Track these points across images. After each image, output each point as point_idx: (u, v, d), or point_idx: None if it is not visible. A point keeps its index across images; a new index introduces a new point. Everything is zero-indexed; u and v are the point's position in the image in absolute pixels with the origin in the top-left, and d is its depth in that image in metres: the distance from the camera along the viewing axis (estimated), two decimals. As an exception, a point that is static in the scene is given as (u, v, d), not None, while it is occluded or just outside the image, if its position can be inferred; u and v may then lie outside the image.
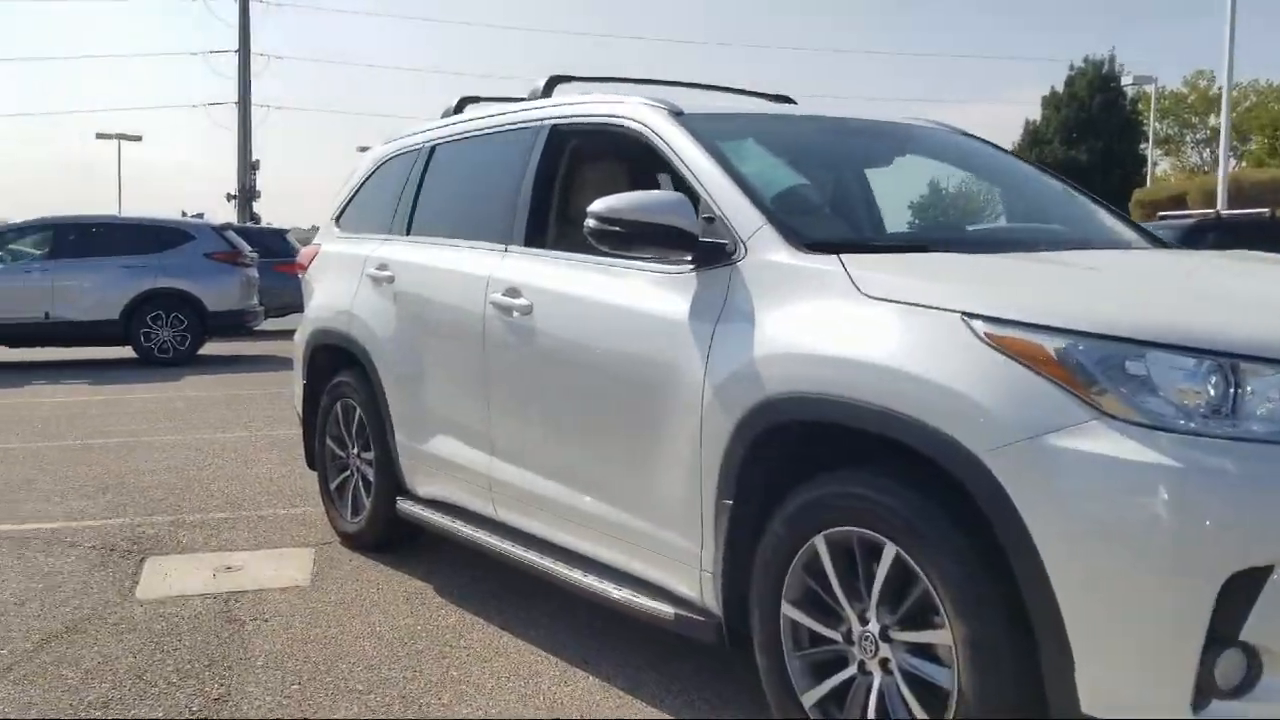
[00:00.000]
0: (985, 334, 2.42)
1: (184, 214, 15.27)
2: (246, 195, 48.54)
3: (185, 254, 13.92)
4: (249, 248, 14.80)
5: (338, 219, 5.61)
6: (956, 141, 4.31)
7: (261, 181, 50.73)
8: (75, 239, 13.77)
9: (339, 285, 5.16)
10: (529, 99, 4.38)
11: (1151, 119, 44.42)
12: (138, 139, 65.54)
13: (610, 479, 3.42)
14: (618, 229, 3.18)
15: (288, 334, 17.83)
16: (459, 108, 5.03)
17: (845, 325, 2.71)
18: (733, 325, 3.00)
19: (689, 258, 3.20)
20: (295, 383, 5.76)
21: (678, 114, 3.60)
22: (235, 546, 5.17)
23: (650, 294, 3.31)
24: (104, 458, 7.40)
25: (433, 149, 4.91)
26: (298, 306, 17.91)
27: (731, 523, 2.95)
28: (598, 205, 3.22)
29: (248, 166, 49.34)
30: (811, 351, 2.74)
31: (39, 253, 13.88)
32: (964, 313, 2.48)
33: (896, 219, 3.74)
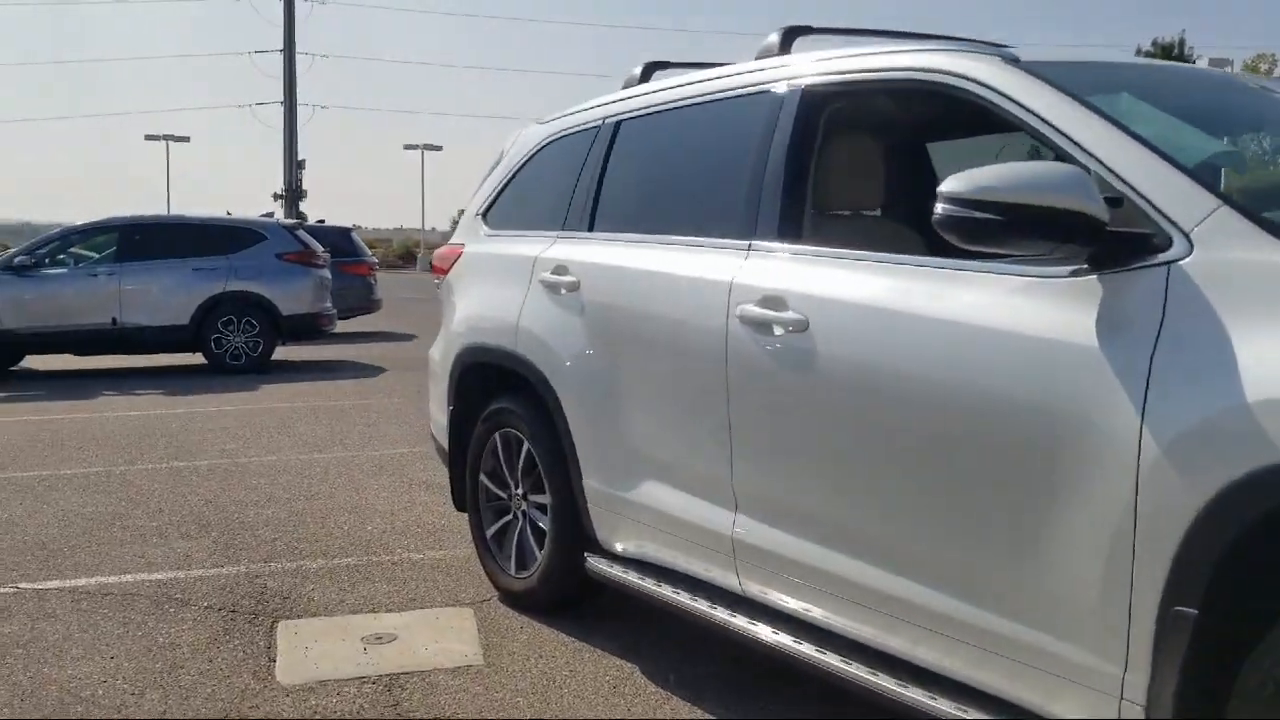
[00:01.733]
0: None
1: (228, 214, 14.40)
2: (293, 194, 48.24)
3: (257, 255, 13.16)
4: (322, 248, 14.02)
5: (485, 214, 4.75)
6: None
7: (307, 180, 50.51)
8: (142, 240, 13.03)
9: (498, 293, 4.29)
10: (760, 56, 3.48)
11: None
12: (186, 140, 65.97)
13: (956, 562, 2.52)
14: (990, 215, 2.28)
15: (356, 337, 17.18)
16: (645, 75, 4.15)
17: None
18: (1186, 354, 2.08)
19: (1083, 255, 2.29)
20: (434, 407, 4.91)
21: (1014, 60, 2.70)
22: (377, 605, 4.33)
23: (1017, 307, 2.40)
24: (198, 485, 6.59)
25: (617, 126, 4.03)
26: (365, 308, 17.26)
27: (1193, 640, 2.04)
28: (959, 184, 2.33)
29: (294, 165, 49.06)
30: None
31: (105, 255, 13.17)
32: None
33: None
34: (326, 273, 13.82)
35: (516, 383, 4.17)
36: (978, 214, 2.29)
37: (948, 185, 2.34)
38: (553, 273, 3.98)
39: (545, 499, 4.04)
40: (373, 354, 15.06)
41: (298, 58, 48.91)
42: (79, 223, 13.80)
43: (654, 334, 3.48)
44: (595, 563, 3.78)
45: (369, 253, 19.46)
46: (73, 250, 13.38)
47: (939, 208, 2.35)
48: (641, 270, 3.59)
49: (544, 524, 4.07)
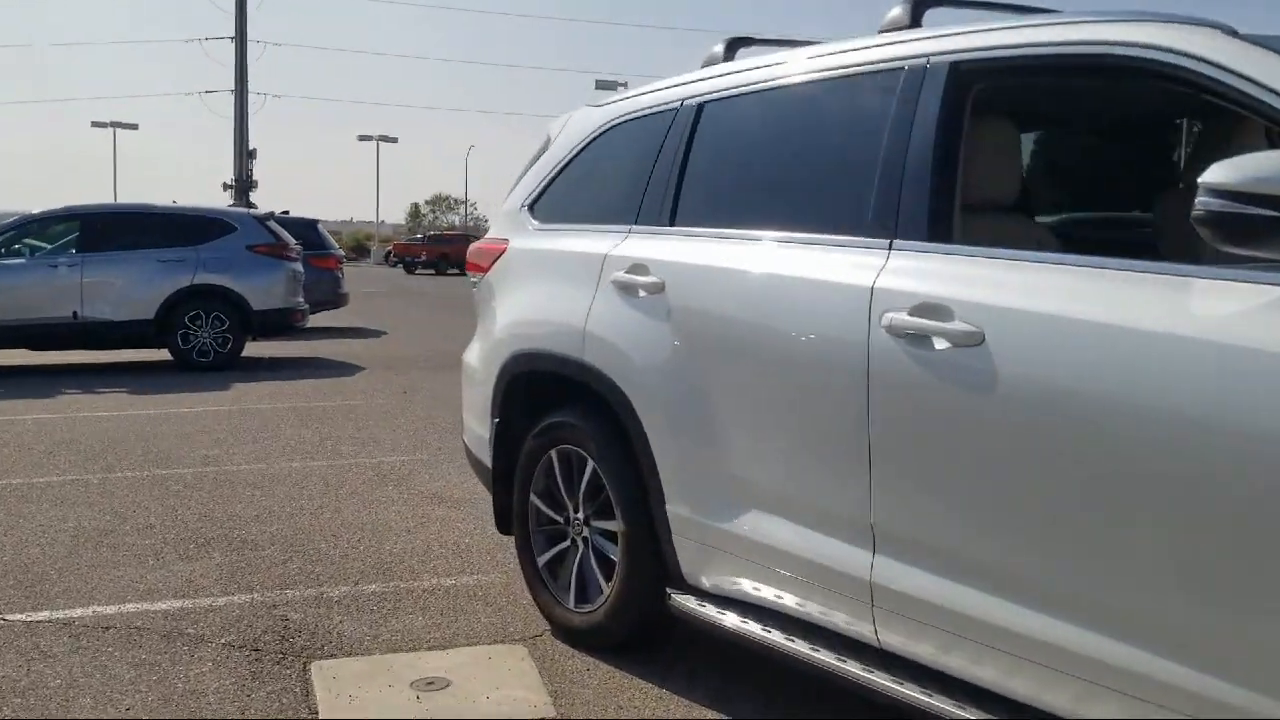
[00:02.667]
0: None
1: (174, 203, 13.61)
2: (243, 184, 47.22)
3: (226, 247, 12.55)
4: (294, 240, 13.45)
5: (532, 206, 4.30)
6: None
7: (258, 170, 49.54)
8: (105, 231, 12.37)
9: (557, 294, 3.86)
10: (885, 29, 3.07)
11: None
12: (134, 127, 64.67)
13: (1190, 621, 2.12)
14: (1268, 212, 1.89)
15: (324, 333, 16.57)
16: (730, 52, 3.73)
17: None
18: None
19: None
20: (470, 417, 4.45)
21: (1233, 33, 2.31)
22: (417, 641, 3.87)
23: (1275, 323, 2.01)
24: (186, 496, 6.07)
25: (699, 108, 3.60)
26: (333, 303, 16.59)
27: None
28: (1227, 174, 1.94)
29: (244, 155, 48.01)
30: None
31: (64, 245, 12.50)
32: None
33: None
34: (299, 266, 13.25)
35: (580, 394, 3.74)
36: (1251, 210, 1.90)
37: (1213, 175, 1.95)
38: (628, 272, 3.55)
39: (614, 525, 3.61)
40: (345, 351, 14.51)
41: (249, 45, 47.88)
42: (35, 211, 13.10)
43: (764, 344, 3.05)
44: (683, 601, 3.36)
45: (336, 246, 18.88)
46: (29, 240, 12.69)
47: (1200, 201, 1.96)
48: (744, 271, 3.16)
49: (612, 553, 3.64)
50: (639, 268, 3.51)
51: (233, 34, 47.32)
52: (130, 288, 12.12)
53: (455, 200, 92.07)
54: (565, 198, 4.16)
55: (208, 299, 12.35)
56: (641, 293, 3.48)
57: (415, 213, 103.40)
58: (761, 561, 3.09)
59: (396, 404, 9.70)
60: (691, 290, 3.33)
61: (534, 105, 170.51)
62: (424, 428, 8.39)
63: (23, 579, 4.57)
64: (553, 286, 3.91)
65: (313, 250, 16.75)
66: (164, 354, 12.51)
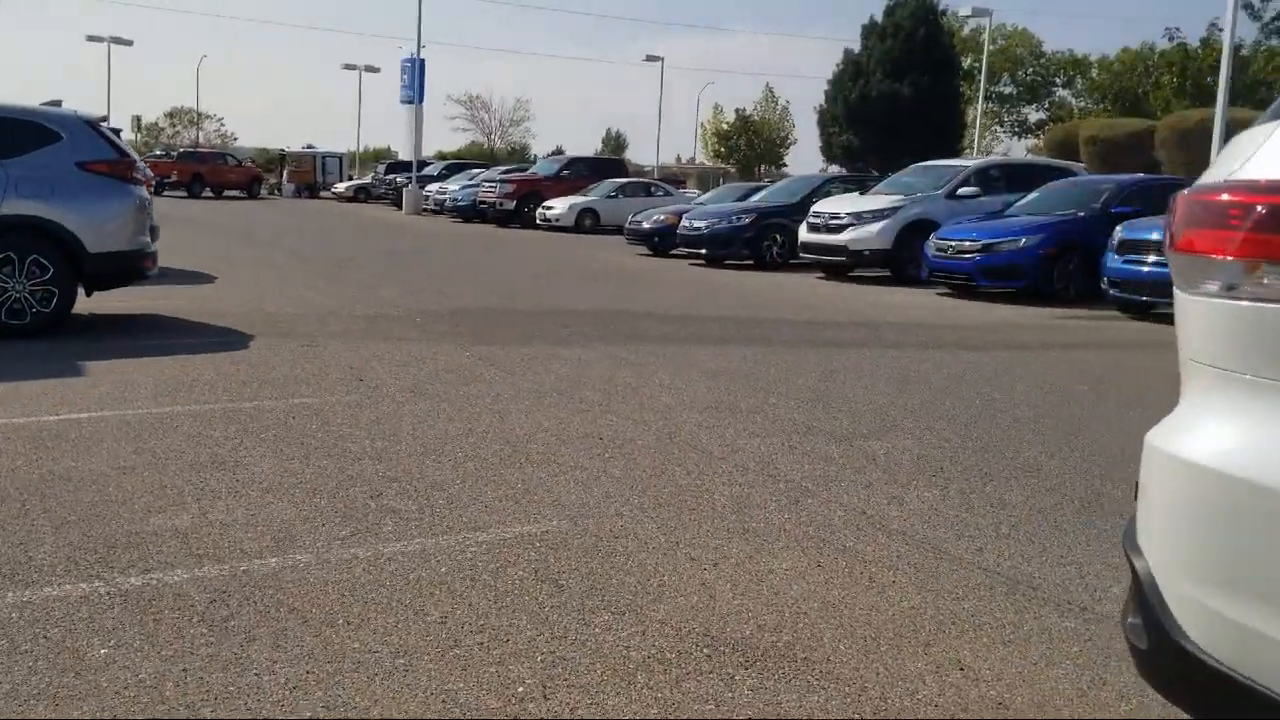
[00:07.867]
0: None
1: None
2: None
3: (48, 163, 8.90)
4: (138, 155, 9.88)
5: None
6: None
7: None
8: None
9: None
10: None
11: (985, 54, 43.31)
12: None
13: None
14: None
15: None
16: None
17: None
18: None
19: None
20: (1256, 610, 1.82)
21: None
22: None
23: None
24: (216, 665, 3.09)
25: None
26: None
27: None
28: None
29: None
30: None
31: None
32: None
33: None
34: (146, 192, 9.74)
35: None
36: None
37: None
38: None
39: None
40: (195, 307, 11.01)
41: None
42: None
43: None
44: None
45: (145, 166, 14.93)
46: None
47: None
48: None
49: None
50: None
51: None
52: (-96, 217, 8.35)
53: (200, 114, 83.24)
54: None
55: (21, 236, 8.72)
56: None
57: (139, 125, 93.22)
58: None
59: (372, 403, 6.66)
60: None
61: (283, 13, 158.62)
62: (475, 451, 5.45)
63: None
64: None
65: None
66: (-48, 312, 8.79)
